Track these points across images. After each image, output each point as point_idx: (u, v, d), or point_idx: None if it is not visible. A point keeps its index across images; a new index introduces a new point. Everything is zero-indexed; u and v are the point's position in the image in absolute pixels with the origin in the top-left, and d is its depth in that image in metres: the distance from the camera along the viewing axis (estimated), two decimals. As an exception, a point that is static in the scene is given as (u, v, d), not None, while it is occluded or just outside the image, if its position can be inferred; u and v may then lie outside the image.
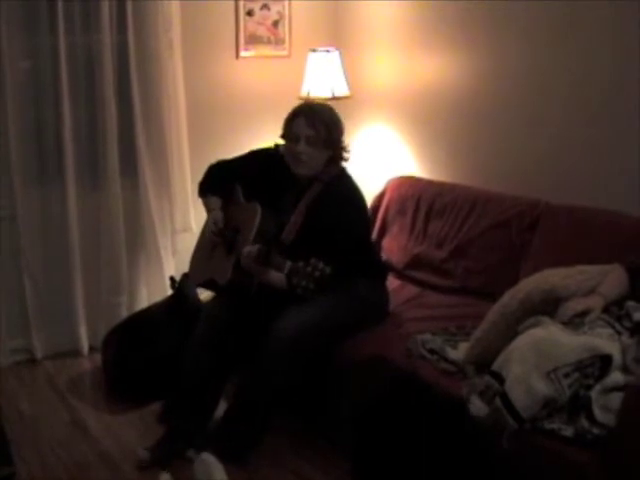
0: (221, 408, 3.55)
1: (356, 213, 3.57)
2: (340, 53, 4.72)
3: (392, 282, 3.96)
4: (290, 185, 3.58)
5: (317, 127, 3.46)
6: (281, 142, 3.67)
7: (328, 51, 4.66)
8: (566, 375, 2.58)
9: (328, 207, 3.46)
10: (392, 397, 2.89)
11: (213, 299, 3.79)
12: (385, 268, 3.90)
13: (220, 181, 3.79)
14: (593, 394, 2.56)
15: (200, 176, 3.88)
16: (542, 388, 2.56)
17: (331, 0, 5.11)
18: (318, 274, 3.03)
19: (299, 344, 3.29)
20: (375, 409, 2.92)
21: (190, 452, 3.34)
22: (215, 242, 3.68)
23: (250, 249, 3.33)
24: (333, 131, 3.52)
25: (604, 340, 2.67)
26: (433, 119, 4.60)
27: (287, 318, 3.33)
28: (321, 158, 3.52)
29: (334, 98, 4.57)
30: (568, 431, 2.53)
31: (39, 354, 4.47)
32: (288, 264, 3.13)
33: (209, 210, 3.78)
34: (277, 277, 3.26)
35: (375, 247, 3.83)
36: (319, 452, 3.45)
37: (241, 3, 4.79)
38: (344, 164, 3.65)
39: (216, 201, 3.77)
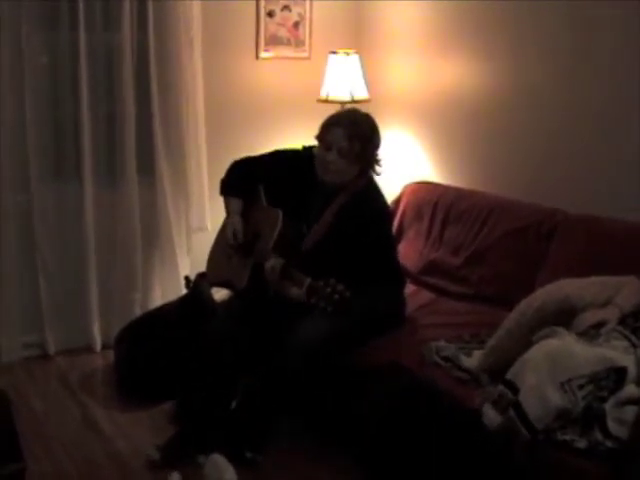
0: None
1: (382, 226, 3.56)
2: (360, 56, 4.71)
3: (407, 287, 3.93)
4: (316, 191, 3.54)
5: (353, 141, 3.40)
6: (308, 145, 3.65)
7: (348, 54, 4.65)
8: (580, 387, 2.56)
9: (354, 219, 3.40)
10: (406, 404, 2.88)
11: (229, 298, 3.79)
12: (404, 278, 3.85)
13: (243, 180, 3.72)
14: (607, 406, 2.55)
15: (216, 175, 3.86)
16: (556, 399, 2.54)
17: (352, 2, 5.11)
18: (337, 297, 2.98)
19: (315, 352, 3.26)
20: (389, 415, 2.90)
21: (201, 458, 3.32)
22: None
23: (274, 264, 3.31)
24: (368, 147, 3.46)
25: (619, 352, 2.66)
26: (451, 125, 4.59)
27: (303, 326, 3.30)
28: (350, 170, 3.47)
29: (353, 101, 4.56)
30: (581, 443, 2.51)
31: (51, 350, 4.48)
32: (307, 281, 3.11)
33: (229, 213, 3.73)
34: (296, 292, 3.24)
35: (397, 259, 3.77)
36: (331, 457, 3.43)
37: (262, 4, 4.79)
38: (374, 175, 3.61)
39: (237, 204, 3.70)
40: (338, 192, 3.51)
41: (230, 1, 4.67)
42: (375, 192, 3.58)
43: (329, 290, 2.99)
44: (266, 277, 3.36)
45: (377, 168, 3.57)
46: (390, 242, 3.74)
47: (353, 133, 3.41)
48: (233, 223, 3.65)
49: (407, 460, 2.76)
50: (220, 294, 4.01)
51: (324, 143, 3.48)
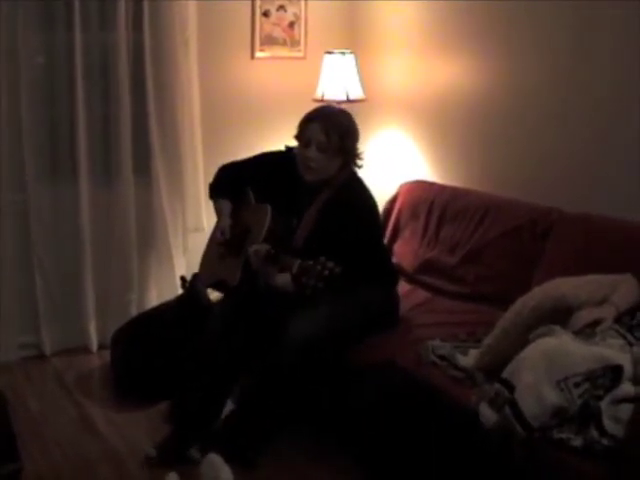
0: (227, 409, 3.54)
1: (367, 218, 3.56)
2: (355, 56, 4.71)
3: (403, 286, 3.94)
4: (301, 188, 3.56)
5: (330, 134, 3.43)
6: (291, 144, 3.67)
7: (343, 53, 4.65)
8: (576, 385, 2.56)
9: (339, 212, 3.43)
10: (402, 403, 2.88)
11: (224, 298, 3.79)
12: (396, 273, 3.86)
13: (231, 184, 3.78)
14: (603, 405, 2.54)
15: (213, 175, 3.88)
16: (552, 397, 2.54)
17: (347, 2, 5.10)
18: (327, 273, 3.02)
19: (309, 353, 3.27)
20: (385, 415, 2.90)
21: (193, 451, 3.33)
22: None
23: (258, 247, 3.35)
24: (346, 140, 3.48)
25: (615, 351, 2.65)
26: (447, 124, 4.59)
27: (297, 326, 3.30)
28: (331, 165, 3.50)
29: (349, 101, 4.56)
30: (577, 441, 2.50)
31: (48, 350, 4.48)
32: (297, 262, 3.13)
33: (219, 215, 3.78)
34: (282, 279, 3.27)
35: (386, 252, 3.79)
36: (328, 457, 3.43)
37: (257, 4, 4.79)
38: (355, 169, 3.63)
39: (226, 205, 3.76)
40: (322, 188, 3.54)
41: (225, 1, 4.67)
42: (358, 185, 3.60)
43: (319, 268, 3.03)
44: (251, 263, 3.38)
45: (358, 161, 3.60)
46: (376, 234, 3.75)
47: (329, 125, 3.44)
48: (222, 222, 3.71)
49: (406, 460, 2.76)
50: (215, 295, 4.02)
51: (303, 140, 3.52)
